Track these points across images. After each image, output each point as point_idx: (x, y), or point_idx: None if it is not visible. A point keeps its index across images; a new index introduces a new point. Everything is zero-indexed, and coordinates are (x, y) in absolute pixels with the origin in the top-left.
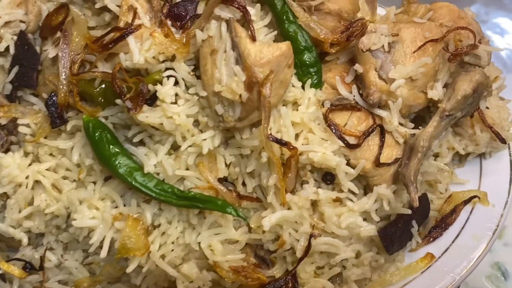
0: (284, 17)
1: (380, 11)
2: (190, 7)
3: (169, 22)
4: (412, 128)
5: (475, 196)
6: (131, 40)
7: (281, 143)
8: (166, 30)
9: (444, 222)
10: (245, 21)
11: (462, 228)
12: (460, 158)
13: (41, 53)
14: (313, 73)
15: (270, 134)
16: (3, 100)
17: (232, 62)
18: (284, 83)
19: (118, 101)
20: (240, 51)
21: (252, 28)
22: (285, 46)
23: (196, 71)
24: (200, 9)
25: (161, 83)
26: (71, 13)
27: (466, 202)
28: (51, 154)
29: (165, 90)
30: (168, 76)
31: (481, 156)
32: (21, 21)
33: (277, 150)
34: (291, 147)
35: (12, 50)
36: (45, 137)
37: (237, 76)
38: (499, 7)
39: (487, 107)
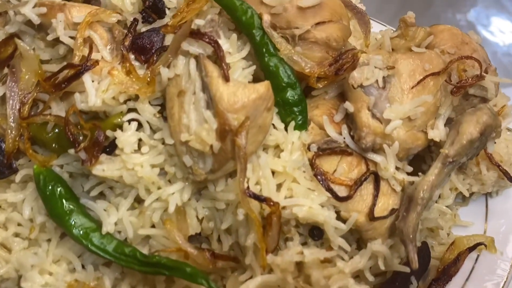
0: (264, 50)
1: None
2: (156, 38)
3: (132, 56)
4: (411, 172)
5: (481, 243)
6: (86, 79)
7: (260, 199)
8: (128, 65)
9: (447, 274)
10: (217, 58)
11: (467, 279)
12: (463, 197)
13: None
14: (298, 113)
15: (247, 188)
16: None
17: (202, 106)
18: (263, 128)
19: (71, 151)
20: (211, 94)
21: (225, 67)
22: (263, 87)
23: (163, 111)
24: (169, 40)
25: (121, 128)
26: (19, 47)
27: (471, 249)
28: None
29: (126, 138)
30: (130, 120)
31: (487, 194)
32: None
33: (256, 205)
34: (272, 203)
35: None
36: None
37: (208, 123)
38: (500, 10)
39: None
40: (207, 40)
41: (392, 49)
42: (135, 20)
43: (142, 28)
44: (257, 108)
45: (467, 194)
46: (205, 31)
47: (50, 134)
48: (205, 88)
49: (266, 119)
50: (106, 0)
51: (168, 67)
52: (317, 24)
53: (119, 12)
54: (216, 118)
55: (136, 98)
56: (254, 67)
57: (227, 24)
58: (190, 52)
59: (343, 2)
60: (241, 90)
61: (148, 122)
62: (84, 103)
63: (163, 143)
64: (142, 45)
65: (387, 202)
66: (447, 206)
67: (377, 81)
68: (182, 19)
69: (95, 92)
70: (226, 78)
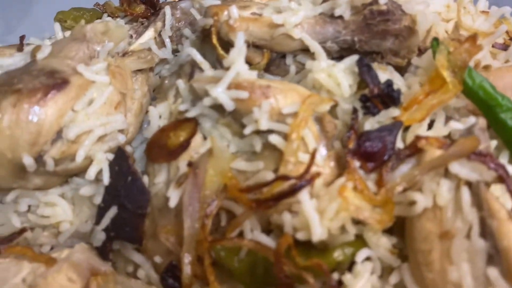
0: None
1: None
2: (389, 138)
3: (356, 164)
4: None
5: None
6: (304, 198)
7: None
8: (357, 181)
9: None
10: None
11: None
12: None
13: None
14: None
15: None
16: (98, 264)
17: (483, 259)
18: None
19: None
20: (498, 245)
21: None
22: None
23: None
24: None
25: (348, 266)
26: (211, 143)
27: None
28: None
29: None
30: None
31: None
32: (120, 131)
33: None
34: None
35: (106, 179)
36: None
37: None
38: None
39: None
40: (492, 166)
41: None
42: (356, 112)
43: (366, 123)
44: None
45: None
46: (484, 151)
47: (241, 262)
48: (488, 234)
49: None
50: (309, 78)
51: (420, 189)
52: None
53: (334, 99)
54: (509, 282)
55: (358, 221)
56: None
57: None
58: (460, 177)
59: None
60: None
61: (380, 260)
62: (302, 232)
63: None
64: (370, 149)
65: None
66: None
67: None
68: (422, 115)
69: (318, 219)
70: None
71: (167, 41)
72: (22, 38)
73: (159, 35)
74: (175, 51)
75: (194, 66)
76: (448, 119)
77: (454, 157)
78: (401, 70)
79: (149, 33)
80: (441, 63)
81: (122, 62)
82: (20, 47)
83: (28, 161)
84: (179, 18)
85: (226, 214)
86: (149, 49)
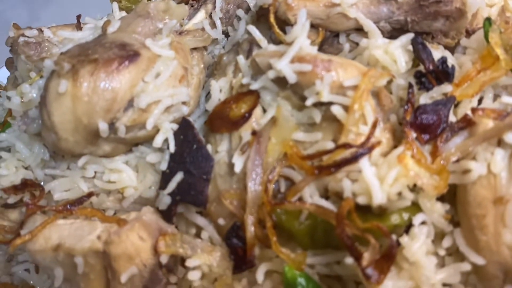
0: None
1: None
2: (443, 111)
3: (413, 135)
4: None
5: None
6: (365, 165)
7: None
8: (414, 149)
9: None
10: None
11: None
12: None
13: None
14: None
15: None
16: (165, 225)
17: None
18: None
19: (349, 260)
20: None
21: None
22: None
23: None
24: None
25: (405, 230)
26: (277, 112)
27: None
28: None
29: (416, 250)
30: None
31: None
32: (183, 103)
33: None
34: None
35: (172, 147)
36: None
37: None
38: None
39: None
40: None
41: None
42: (412, 86)
43: (420, 98)
44: None
45: None
46: None
47: (302, 225)
48: None
49: None
50: (365, 55)
51: (474, 157)
52: None
53: (392, 74)
54: None
55: (413, 188)
56: None
57: None
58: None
59: None
60: None
61: (434, 225)
62: (362, 197)
63: (450, 253)
64: (426, 121)
65: None
66: None
67: None
68: (474, 90)
69: (379, 184)
70: None
71: (218, 22)
72: (78, 17)
73: (210, 17)
74: (224, 33)
75: (252, 43)
76: (495, 96)
77: (510, 127)
78: (449, 50)
79: (200, 15)
80: (495, 41)
81: (182, 39)
82: (78, 26)
83: (103, 126)
84: (229, 1)
85: (285, 181)
86: (202, 29)
